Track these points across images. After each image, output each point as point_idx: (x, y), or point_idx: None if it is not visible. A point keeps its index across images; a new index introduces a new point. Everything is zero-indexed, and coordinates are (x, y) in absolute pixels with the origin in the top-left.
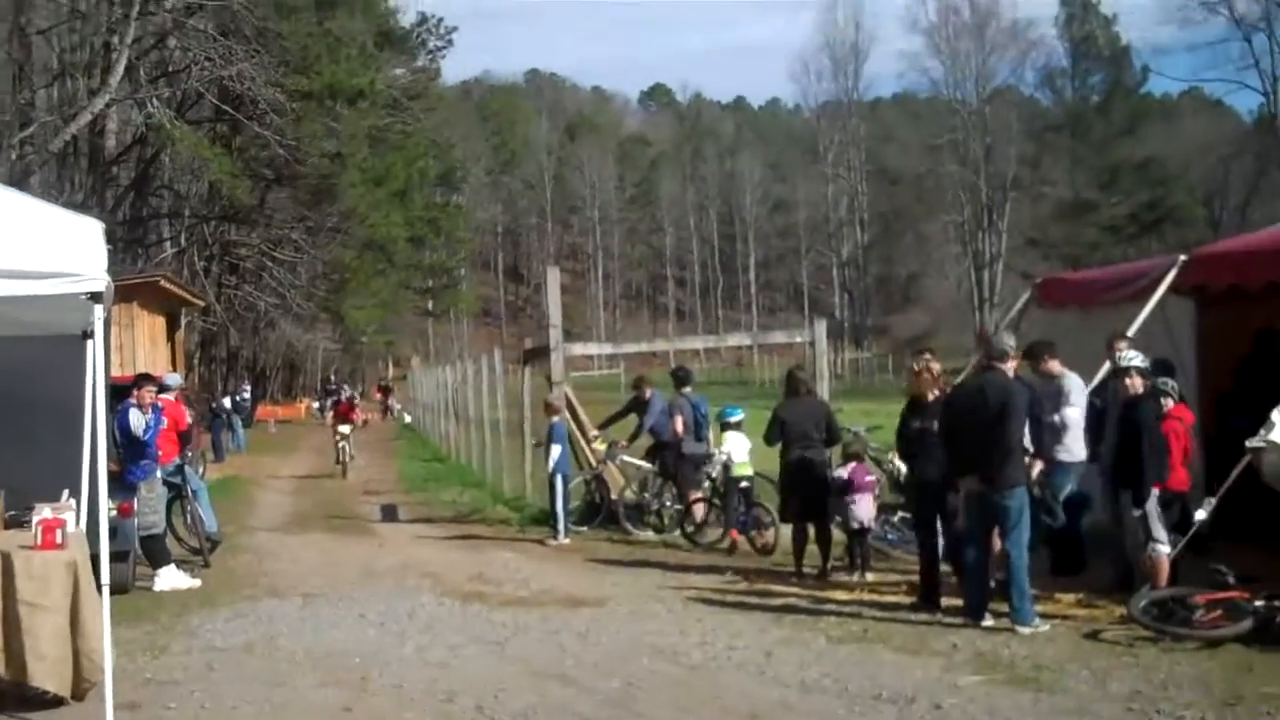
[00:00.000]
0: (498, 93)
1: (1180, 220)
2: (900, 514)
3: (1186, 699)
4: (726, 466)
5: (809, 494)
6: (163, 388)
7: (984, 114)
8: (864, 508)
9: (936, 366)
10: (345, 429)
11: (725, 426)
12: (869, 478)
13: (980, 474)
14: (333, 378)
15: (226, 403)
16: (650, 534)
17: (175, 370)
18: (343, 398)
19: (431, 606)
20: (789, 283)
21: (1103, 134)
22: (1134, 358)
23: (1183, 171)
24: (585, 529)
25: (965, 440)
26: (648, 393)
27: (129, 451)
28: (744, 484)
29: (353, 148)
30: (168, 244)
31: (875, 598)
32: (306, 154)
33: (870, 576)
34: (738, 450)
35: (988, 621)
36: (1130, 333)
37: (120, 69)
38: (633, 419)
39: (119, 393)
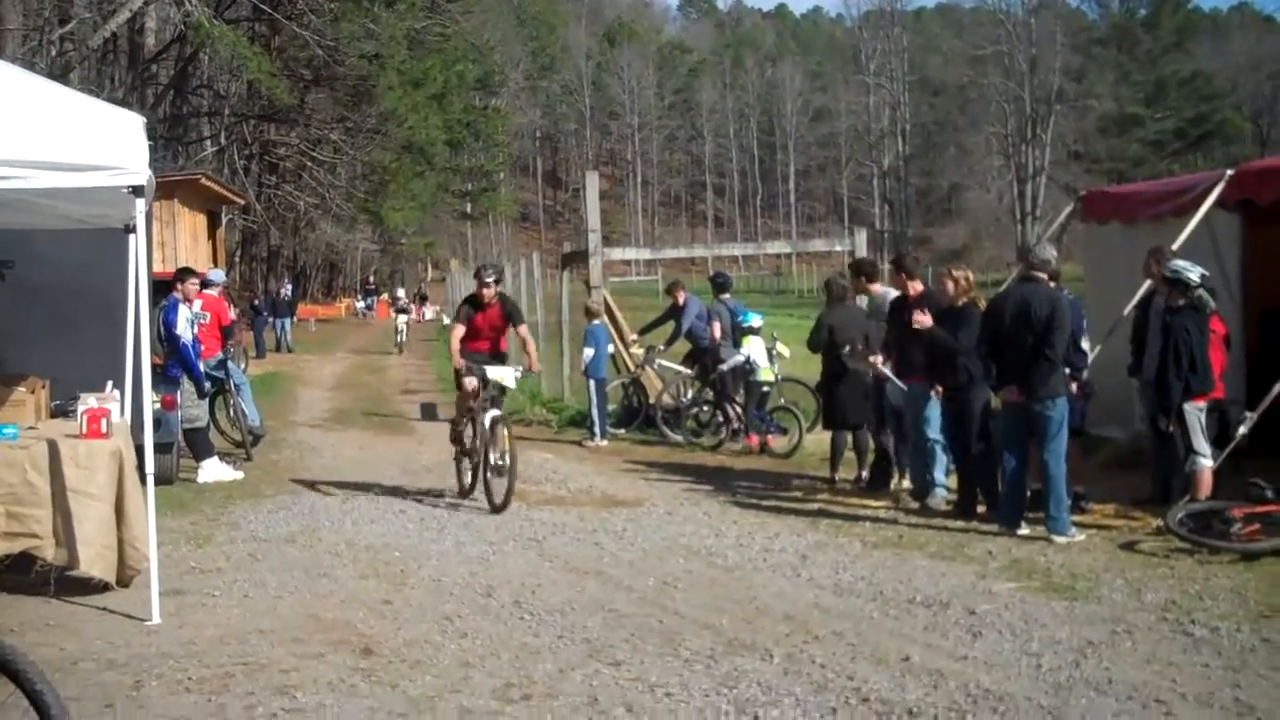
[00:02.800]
0: None
1: (1227, 136)
2: None
3: (1222, 610)
4: (749, 371)
5: (853, 400)
6: (206, 283)
7: (1029, 25)
8: None
9: (970, 276)
10: (404, 319)
11: (743, 331)
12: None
13: (1021, 384)
14: (372, 278)
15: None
16: (690, 438)
17: (217, 266)
18: (399, 296)
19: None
20: (829, 193)
21: (1149, 48)
22: (1184, 269)
23: (1230, 87)
24: (623, 431)
25: (1007, 350)
26: (682, 297)
27: (173, 347)
28: (765, 389)
29: (391, 49)
30: (208, 143)
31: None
32: (345, 55)
33: (906, 481)
34: (758, 355)
35: (1023, 530)
36: (1175, 246)
37: None
38: (671, 325)
39: (161, 288)
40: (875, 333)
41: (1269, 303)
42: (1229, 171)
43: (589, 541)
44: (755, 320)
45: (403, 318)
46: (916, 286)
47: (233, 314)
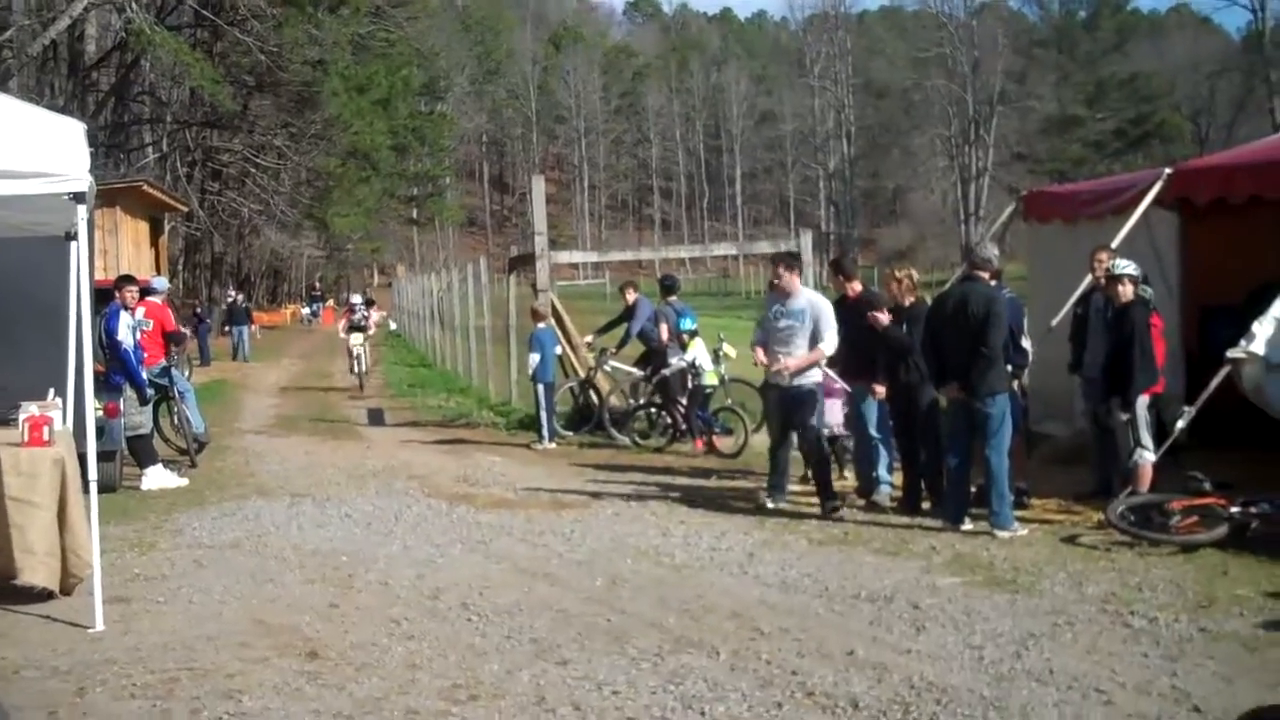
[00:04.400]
0: (481, 2)
1: (1166, 136)
2: None
3: (1161, 601)
4: (694, 373)
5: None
6: (148, 291)
7: (971, 28)
8: (835, 413)
9: (915, 275)
10: (359, 338)
11: (688, 334)
12: (838, 384)
13: (962, 381)
14: (317, 284)
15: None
16: (636, 440)
17: (160, 274)
18: (355, 304)
19: (418, 508)
20: (775, 195)
21: (1089, 49)
22: (1126, 265)
23: (1169, 88)
24: (572, 434)
25: (948, 348)
26: (631, 297)
27: (114, 353)
28: (708, 390)
29: (335, 55)
30: (149, 150)
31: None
32: (288, 60)
33: (848, 476)
34: (702, 357)
35: (967, 525)
36: (1114, 245)
37: None
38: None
39: (103, 296)
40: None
41: (1207, 299)
42: (1167, 171)
43: (537, 543)
44: (691, 324)
45: (358, 339)
46: (855, 287)
47: (175, 323)
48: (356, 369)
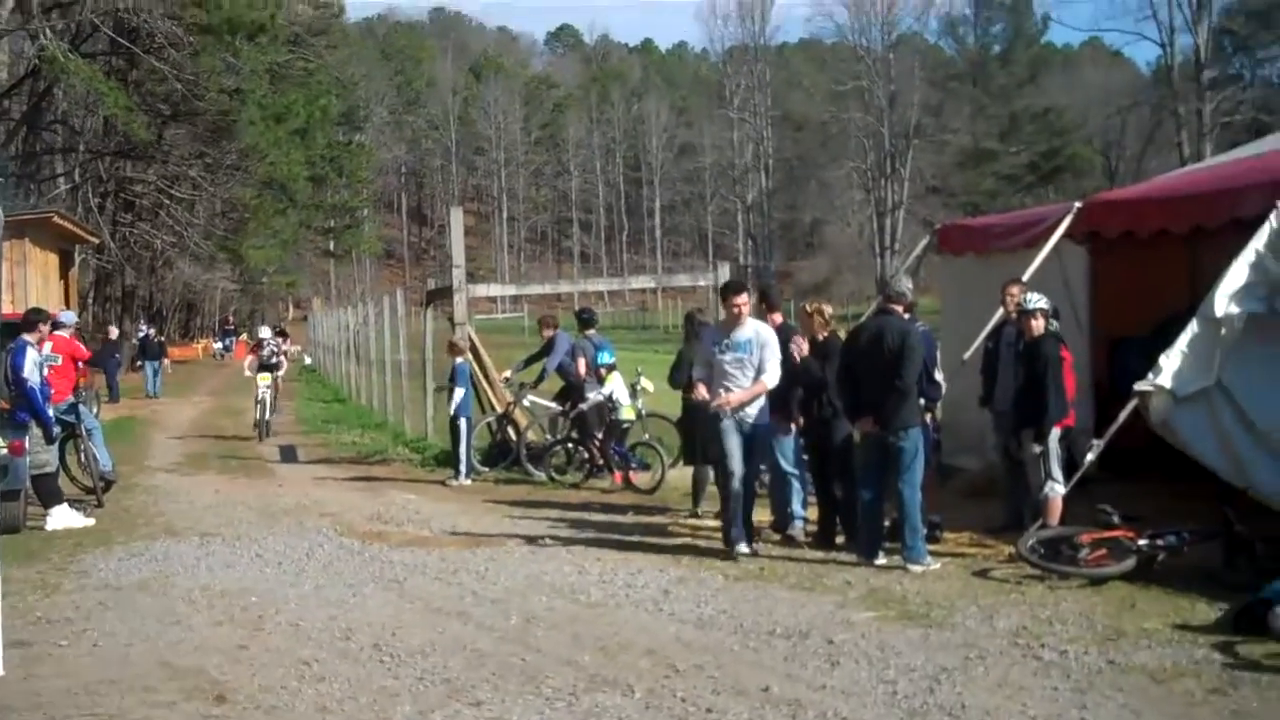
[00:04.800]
0: (402, 31)
1: (1078, 170)
2: None
3: (1070, 634)
4: (611, 408)
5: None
6: (56, 324)
7: (888, 61)
8: None
9: (828, 310)
10: (267, 380)
11: (605, 369)
12: None
13: (876, 415)
14: (231, 318)
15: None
16: (552, 475)
17: (69, 308)
18: (264, 338)
19: (330, 546)
20: (694, 228)
21: (1003, 83)
22: (1038, 300)
23: (1081, 121)
24: (488, 470)
25: (863, 382)
26: (549, 332)
27: (20, 390)
28: (625, 425)
29: (253, 84)
30: (61, 180)
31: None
32: (205, 89)
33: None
34: (620, 392)
35: (881, 560)
36: (1025, 278)
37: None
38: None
39: (10, 330)
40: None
41: (1115, 331)
42: (1077, 204)
43: (451, 581)
44: (609, 358)
45: (265, 383)
46: (776, 319)
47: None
48: (259, 415)
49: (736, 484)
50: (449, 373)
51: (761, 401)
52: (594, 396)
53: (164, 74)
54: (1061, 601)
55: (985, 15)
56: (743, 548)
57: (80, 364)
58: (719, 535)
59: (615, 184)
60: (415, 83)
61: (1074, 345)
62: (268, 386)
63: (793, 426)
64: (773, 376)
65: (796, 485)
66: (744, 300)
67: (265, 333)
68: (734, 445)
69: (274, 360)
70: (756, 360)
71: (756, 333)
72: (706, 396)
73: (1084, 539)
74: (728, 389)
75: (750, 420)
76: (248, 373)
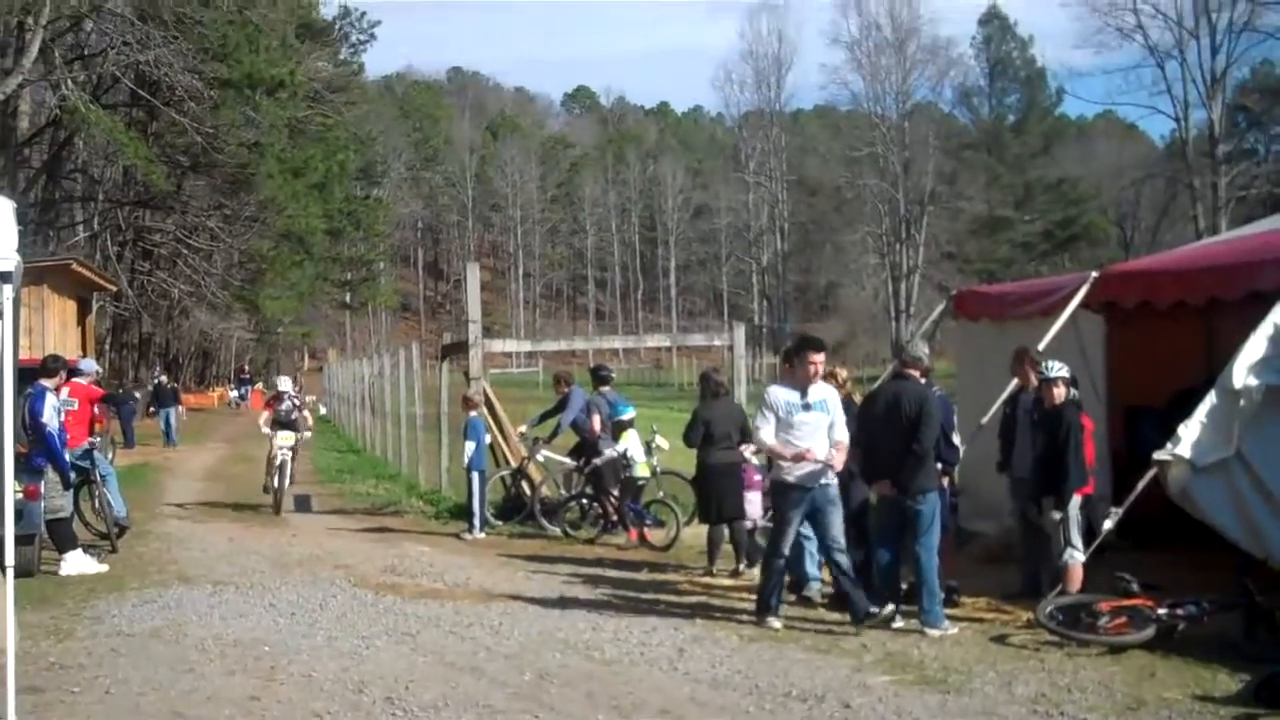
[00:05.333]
0: (420, 89)
1: (1093, 239)
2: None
3: (1090, 703)
4: (626, 464)
5: (730, 494)
6: (74, 372)
7: (903, 129)
8: (754, 506)
9: (843, 373)
10: (288, 439)
11: (619, 425)
12: (757, 477)
13: (893, 478)
14: (247, 367)
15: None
16: (567, 530)
17: (86, 355)
18: (283, 390)
19: (344, 597)
20: (709, 288)
21: (1018, 153)
22: (1059, 368)
23: (1096, 192)
24: (502, 524)
25: (879, 445)
26: (565, 388)
27: (38, 435)
28: (640, 482)
29: (272, 138)
30: (80, 228)
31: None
32: (224, 142)
33: (756, 570)
34: (635, 449)
35: (898, 624)
36: (1042, 346)
37: (34, 50)
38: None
39: (28, 375)
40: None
41: (1132, 400)
42: (1094, 274)
43: (464, 635)
44: (628, 413)
45: (287, 440)
46: None
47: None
48: (274, 482)
49: (781, 561)
50: (463, 427)
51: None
52: (609, 452)
53: (184, 126)
54: (1080, 669)
55: (999, 86)
56: (775, 622)
57: (97, 408)
58: (734, 594)
59: (631, 243)
60: (433, 140)
61: (1091, 413)
62: (288, 449)
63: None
64: (845, 433)
65: (811, 547)
66: (823, 359)
67: (285, 384)
68: (795, 521)
69: (293, 417)
70: (829, 421)
71: (829, 392)
72: (811, 455)
73: (1103, 607)
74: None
75: (829, 483)
76: (265, 429)
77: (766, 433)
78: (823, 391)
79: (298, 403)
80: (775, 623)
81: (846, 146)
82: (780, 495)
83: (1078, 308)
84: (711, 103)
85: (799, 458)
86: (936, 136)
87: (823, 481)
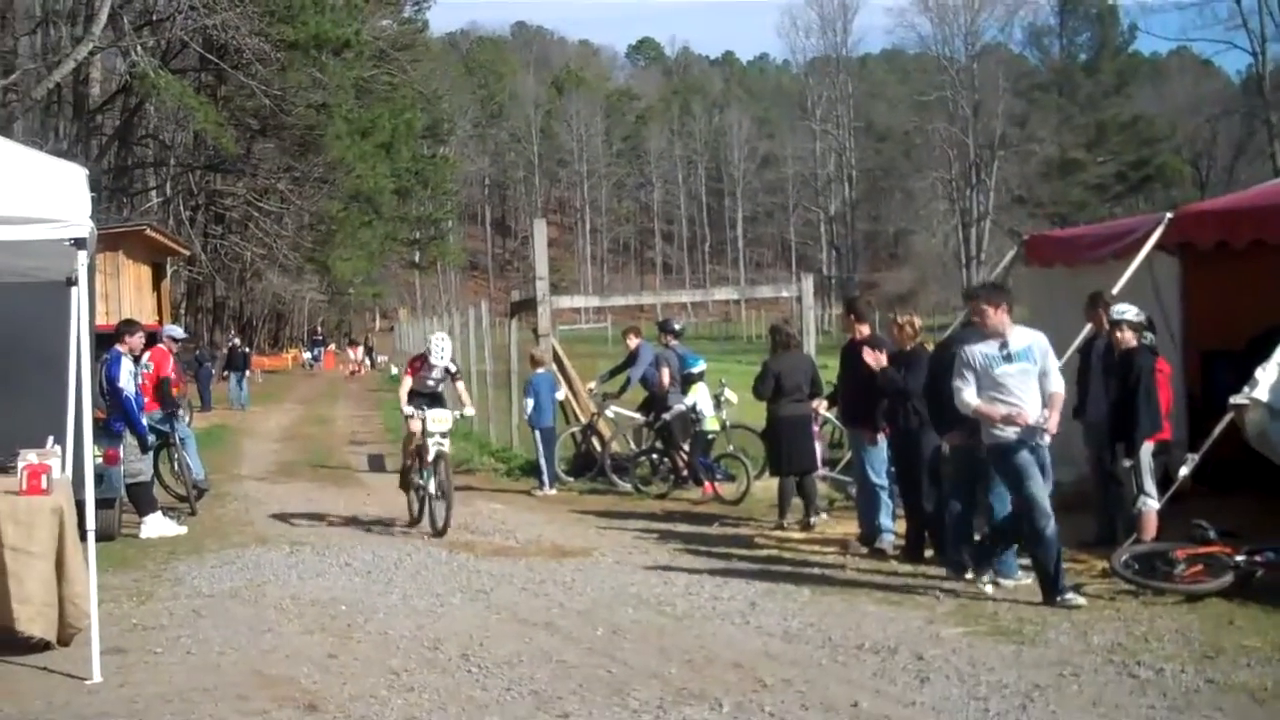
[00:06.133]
0: (484, 45)
1: (1167, 180)
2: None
3: (1167, 652)
4: (695, 419)
5: (801, 446)
6: (161, 338)
7: (972, 71)
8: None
9: (916, 322)
10: (442, 422)
11: (688, 379)
12: (815, 427)
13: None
14: (319, 328)
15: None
16: (638, 486)
17: (163, 320)
18: (434, 348)
19: (418, 556)
20: (776, 239)
21: (1090, 93)
22: (1125, 311)
23: (1170, 131)
24: (574, 480)
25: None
26: (633, 343)
27: (115, 400)
28: (710, 436)
29: (339, 98)
30: (153, 193)
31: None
32: (292, 104)
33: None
34: (704, 402)
35: (970, 574)
36: (1115, 290)
37: (103, 17)
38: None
39: (105, 340)
40: (820, 379)
41: (1209, 344)
42: (1168, 215)
43: (537, 592)
44: (698, 366)
45: (439, 424)
46: (864, 330)
47: (170, 369)
48: (420, 480)
49: (1053, 524)
50: (527, 384)
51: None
52: (677, 407)
53: (252, 89)
54: (1157, 618)
55: (1070, 25)
56: (1077, 598)
57: (174, 372)
58: (805, 547)
59: (697, 195)
60: (498, 96)
61: (1167, 358)
62: (441, 436)
63: (880, 438)
64: (1061, 383)
65: (885, 498)
66: (990, 307)
67: (437, 344)
68: (1039, 481)
69: (439, 389)
70: (1038, 371)
71: (1035, 339)
72: (1024, 419)
73: (1180, 554)
74: (1014, 408)
75: (1041, 446)
76: (405, 408)
77: (969, 394)
78: (1026, 338)
79: (453, 369)
80: (1078, 599)
81: (914, 91)
82: (1006, 459)
83: (1152, 250)
84: (777, 50)
85: (1009, 420)
86: (1006, 78)
87: (1037, 441)
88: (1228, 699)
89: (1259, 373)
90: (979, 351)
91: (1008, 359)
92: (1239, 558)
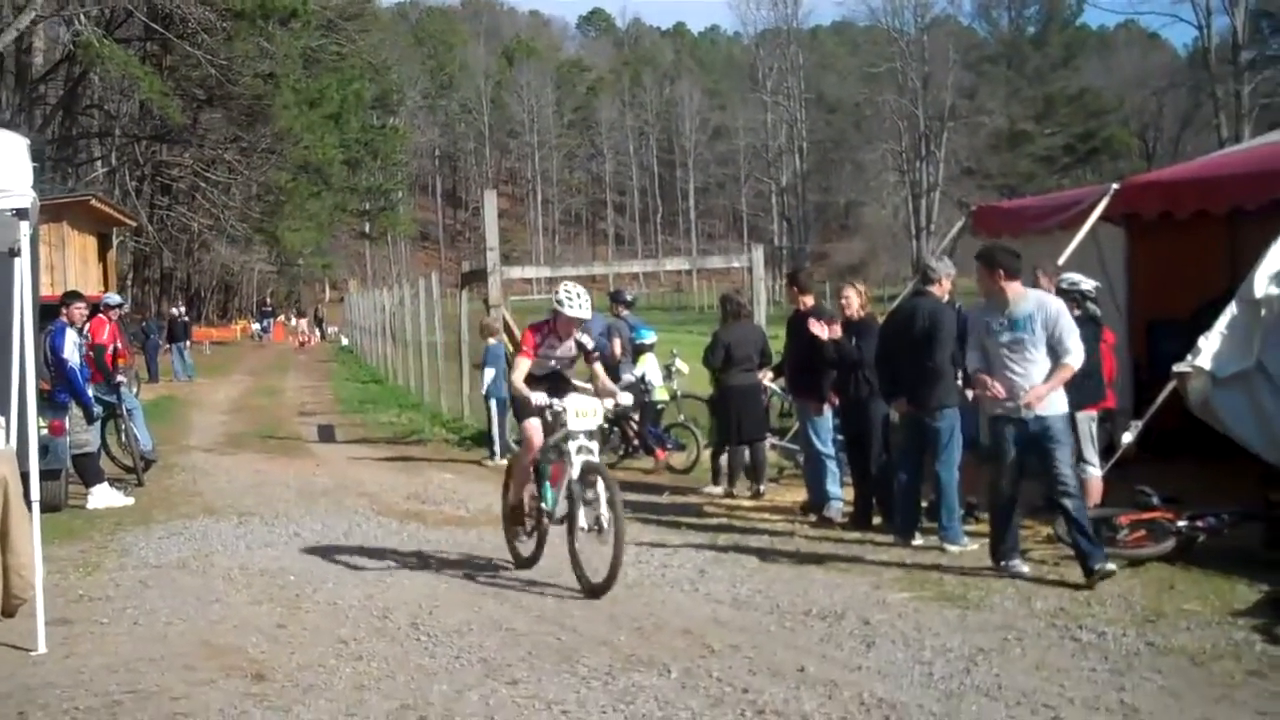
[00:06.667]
0: (434, 15)
1: (1114, 152)
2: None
3: (1109, 616)
4: (645, 389)
5: (751, 416)
6: (105, 306)
7: (922, 43)
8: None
9: (858, 292)
10: (588, 414)
11: (638, 350)
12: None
13: (910, 396)
14: (269, 299)
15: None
16: None
17: (109, 290)
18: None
19: (368, 526)
20: (728, 210)
21: (1038, 65)
22: (1079, 281)
23: (1117, 103)
24: None
25: (897, 363)
26: None
27: (60, 371)
28: (659, 406)
29: (286, 68)
30: (98, 164)
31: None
32: (239, 74)
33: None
34: (653, 373)
35: (917, 541)
36: (1061, 260)
37: None
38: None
39: (49, 312)
40: (770, 350)
41: (1154, 313)
42: (1114, 186)
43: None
44: (648, 337)
45: (584, 420)
46: (808, 301)
47: (104, 337)
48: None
49: (1005, 499)
50: (483, 354)
51: (1060, 392)
52: (627, 377)
53: (198, 59)
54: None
55: None
56: (1022, 566)
57: (121, 342)
58: (755, 515)
59: (649, 166)
60: (448, 67)
61: (1112, 327)
62: (587, 435)
63: (826, 407)
64: (1077, 355)
65: (831, 466)
66: (988, 271)
67: (576, 297)
68: (1011, 460)
69: (566, 370)
70: (1043, 339)
71: (1041, 305)
72: (999, 392)
73: (1123, 520)
74: (1009, 380)
75: (1045, 414)
76: (521, 388)
77: (973, 357)
78: (1030, 305)
79: (589, 344)
80: (1022, 566)
81: (865, 63)
82: (991, 428)
83: (1098, 221)
84: (728, 22)
85: (984, 388)
86: (955, 50)
87: (1038, 413)
88: (1167, 661)
89: (1202, 341)
90: (981, 320)
91: (1004, 327)
92: (1181, 523)
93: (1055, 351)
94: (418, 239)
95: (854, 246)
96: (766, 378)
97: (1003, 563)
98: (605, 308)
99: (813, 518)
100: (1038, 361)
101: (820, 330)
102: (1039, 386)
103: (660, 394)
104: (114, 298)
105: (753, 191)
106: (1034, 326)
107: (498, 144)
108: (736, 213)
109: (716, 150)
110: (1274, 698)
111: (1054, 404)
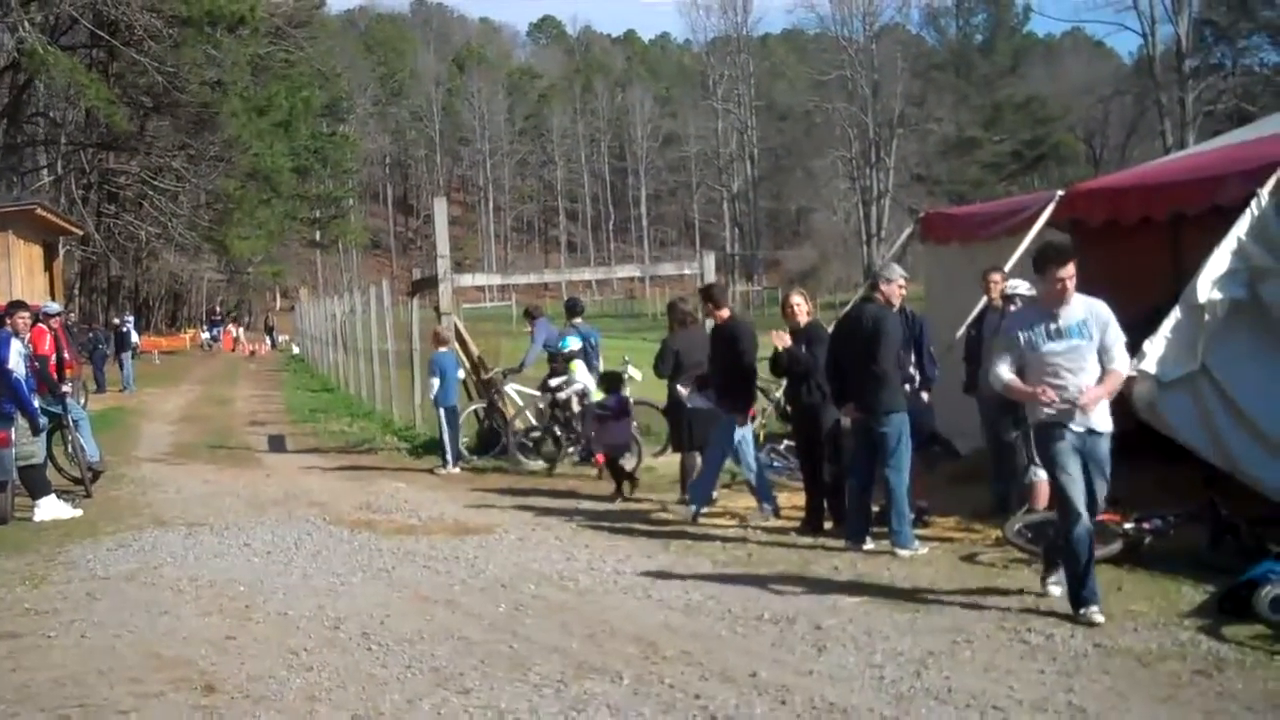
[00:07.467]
0: (383, 22)
1: (1062, 158)
2: (786, 443)
3: (1057, 618)
4: (584, 395)
5: (702, 422)
6: (45, 315)
7: (871, 51)
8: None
9: (801, 300)
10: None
11: (566, 358)
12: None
13: (858, 401)
14: (218, 308)
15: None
16: (541, 463)
17: (54, 299)
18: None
19: (319, 535)
20: (680, 217)
21: (986, 73)
22: (1018, 285)
23: (1064, 110)
24: (477, 458)
25: (847, 369)
26: (531, 322)
27: (5, 382)
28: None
29: (234, 75)
30: (44, 172)
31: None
32: (186, 81)
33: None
34: (586, 379)
35: (868, 545)
36: (1008, 266)
37: None
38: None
39: None
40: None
41: None
42: (1059, 193)
43: (439, 570)
44: (568, 346)
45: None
46: (722, 314)
47: (47, 345)
48: None
49: (1083, 525)
50: (430, 363)
51: (1107, 404)
52: (572, 386)
53: (145, 66)
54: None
55: (966, 6)
56: (1097, 614)
57: (68, 352)
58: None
59: (601, 174)
60: (398, 74)
61: None
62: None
63: (748, 418)
64: (1126, 361)
65: (752, 479)
66: (1072, 271)
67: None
68: (1078, 472)
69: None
70: (1096, 345)
71: (1091, 311)
72: (1049, 397)
73: None
74: (1060, 389)
75: (1098, 429)
76: (682, 390)
77: (1002, 368)
78: (1080, 311)
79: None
80: (1097, 616)
81: (815, 71)
82: (1040, 441)
83: (1044, 227)
84: (679, 30)
85: (1030, 396)
86: (904, 58)
87: (1089, 427)
88: (1114, 662)
89: (1146, 345)
90: (1021, 333)
91: (1054, 335)
92: (1127, 525)
93: (1102, 358)
94: (369, 247)
95: (805, 253)
96: (683, 391)
97: (1082, 611)
98: (559, 316)
99: (766, 523)
100: (1089, 370)
101: (780, 341)
102: (1095, 388)
103: (596, 397)
104: (53, 306)
105: (704, 198)
106: (1089, 331)
107: (449, 151)
108: (689, 219)
109: (668, 157)
110: (1220, 697)
111: (1108, 417)
